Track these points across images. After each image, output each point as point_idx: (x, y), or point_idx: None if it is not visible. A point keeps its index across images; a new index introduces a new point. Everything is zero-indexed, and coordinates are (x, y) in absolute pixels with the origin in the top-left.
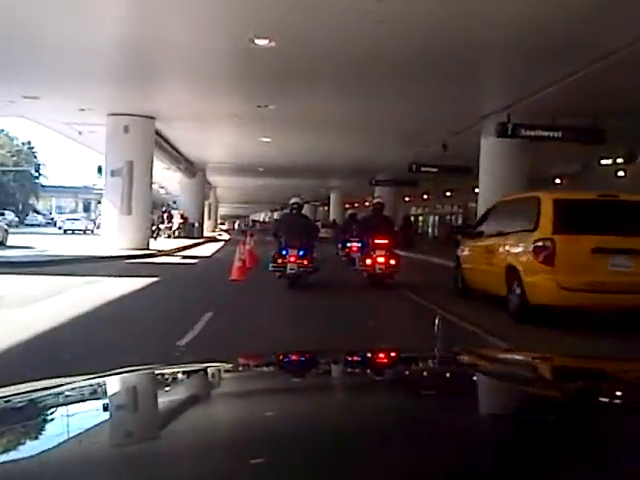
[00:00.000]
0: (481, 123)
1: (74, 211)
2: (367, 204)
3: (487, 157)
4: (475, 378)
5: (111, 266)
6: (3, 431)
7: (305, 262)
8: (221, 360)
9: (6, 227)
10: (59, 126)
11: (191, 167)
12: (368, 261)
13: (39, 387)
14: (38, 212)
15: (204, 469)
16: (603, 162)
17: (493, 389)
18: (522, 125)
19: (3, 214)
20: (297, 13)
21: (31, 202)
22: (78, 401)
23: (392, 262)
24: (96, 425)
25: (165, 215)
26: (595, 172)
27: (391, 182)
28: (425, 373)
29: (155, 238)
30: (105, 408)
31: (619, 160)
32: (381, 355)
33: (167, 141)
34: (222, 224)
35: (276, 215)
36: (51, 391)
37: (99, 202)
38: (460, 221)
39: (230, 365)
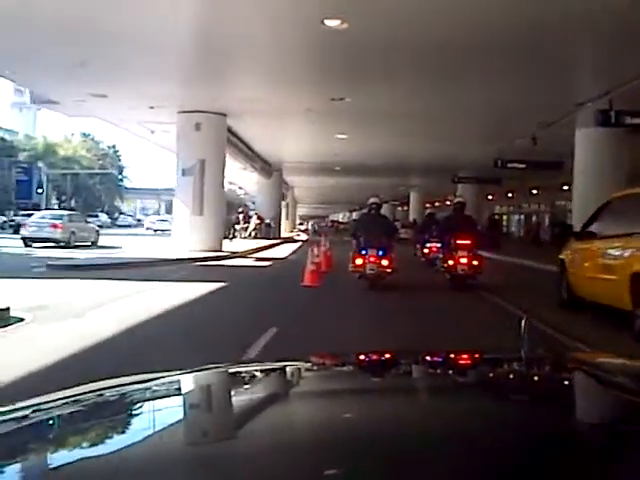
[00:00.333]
0: (575, 113)
1: (157, 212)
2: (448, 203)
3: (582, 150)
4: (564, 382)
5: (179, 269)
6: (82, 428)
7: (385, 262)
8: (299, 359)
9: (97, 228)
10: (131, 125)
11: (267, 167)
12: (450, 262)
13: (112, 384)
14: (123, 213)
15: (281, 471)
16: None
17: (583, 394)
18: (626, 112)
19: (97, 216)
20: None
21: (116, 204)
22: (155, 398)
23: (475, 263)
24: (173, 423)
25: (241, 216)
26: None
27: (474, 180)
28: (511, 376)
29: (231, 239)
30: (182, 406)
31: None
32: (464, 356)
33: (241, 140)
34: (301, 224)
35: (355, 215)
36: (126, 389)
37: None
38: (547, 221)
39: (308, 364)
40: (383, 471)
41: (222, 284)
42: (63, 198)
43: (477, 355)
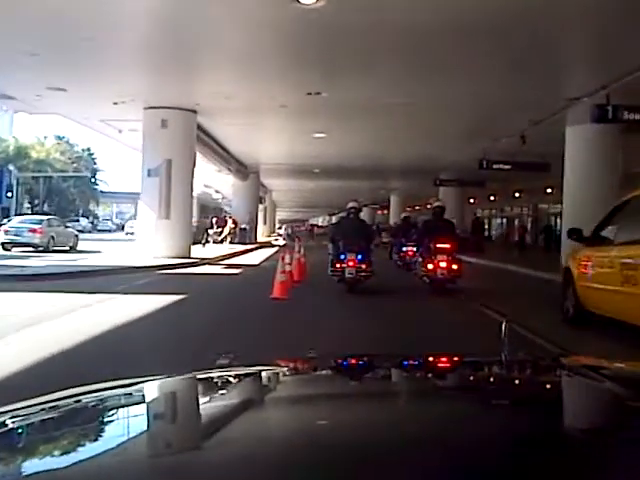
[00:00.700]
0: (566, 110)
1: (134, 217)
2: (429, 207)
3: (573, 149)
4: (544, 385)
5: (140, 278)
6: (37, 440)
7: (363, 266)
8: (274, 363)
9: (76, 233)
10: (96, 124)
11: (243, 169)
12: (430, 266)
13: (83, 391)
14: (97, 217)
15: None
16: None
17: (563, 396)
18: (625, 107)
19: (78, 220)
20: None
21: (92, 208)
22: (115, 408)
23: (454, 267)
24: (141, 432)
25: (214, 220)
26: None
27: (456, 182)
28: (492, 379)
29: (204, 245)
30: (148, 415)
31: None
32: (444, 359)
33: (214, 139)
34: (280, 228)
35: (333, 219)
36: (90, 397)
37: None
38: (529, 224)
39: (284, 369)
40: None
41: (179, 297)
42: (36, 202)
43: (457, 358)
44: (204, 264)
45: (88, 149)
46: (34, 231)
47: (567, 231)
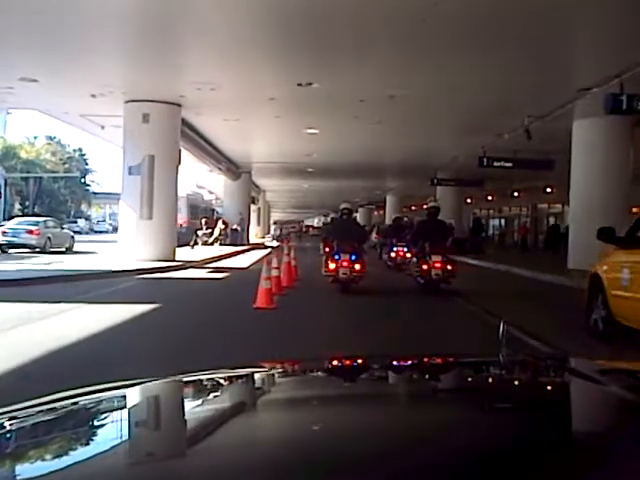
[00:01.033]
0: (573, 103)
1: None
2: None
3: (581, 144)
4: (542, 385)
5: (113, 284)
6: (13, 449)
7: (357, 266)
8: (264, 365)
9: (72, 234)
10: (76, 119)
11: (234, 168)
12: (424, 266)
13: (67, 395)
14: (88, 218)
15: None
16: None
17: (561, 397)
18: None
19: (76, 222)
20: None
21: (84, 209)
22: (101, 412)
23: (449, 268)
24: (116, 442)
25: (204, 220)
26: None
27: (454, 181)
28: (490, 379)
29: (192, 246)
30: (126, 421)
31: None
32: (441, 360)
33: (201, 136)
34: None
35: (326, 219)
36: (70, 402)
37: None
38: (528, 223)
39: (276, 370)
40: None
41: (149, 307)
42: (26, 204)
43: (455, 359)
44: (189, 267)
45: (80, 149)
46: (31, 232)
47: (597, 230)
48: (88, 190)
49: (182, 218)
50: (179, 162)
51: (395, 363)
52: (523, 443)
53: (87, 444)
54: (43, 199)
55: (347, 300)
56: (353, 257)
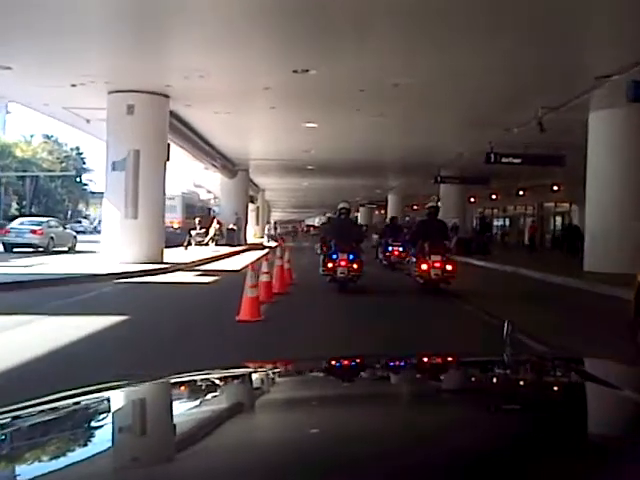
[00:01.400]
0: (590, 93)
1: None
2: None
3: (598, 137)
4: (546, 385)
5: (88, 290)
6: (7, 451)
7: (355, 266)
8: (261, 365)
9: (75, 234)
10: (58, 111)
11: (229, 165)
12: (424, 266)
13: (59, 397)
14: (86, 217)
15: None
16: None
17: (566, 397)
18: None
19: (80, 222)
20: None
21: (82, 209)
22: (80, 419)
23: (448, 268)
24: (103, 448)
25: (197, 220)
26: None
27: (458, 179)
28: (494, 379)
29: (186, 247)
30: (112, 425)
31: None
32: (444, 360)
33: (193, 130)
34: (276, 230)
35: (323, 219)
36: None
37: None
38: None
39: (274, 370)
40: None
41: (118, 319)
42: (24, 203)
43: (458, 359)
44: (176, 270)
45: (77, 148)
46: (35, 232)
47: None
48: (85, 189)
49: (177, 218)
50: (167, 158)
51: (395, 363)
52: (523, 443)
53: (78, 446)
54: (40, 198)
55: (344, 306)
56: (351, 256)
